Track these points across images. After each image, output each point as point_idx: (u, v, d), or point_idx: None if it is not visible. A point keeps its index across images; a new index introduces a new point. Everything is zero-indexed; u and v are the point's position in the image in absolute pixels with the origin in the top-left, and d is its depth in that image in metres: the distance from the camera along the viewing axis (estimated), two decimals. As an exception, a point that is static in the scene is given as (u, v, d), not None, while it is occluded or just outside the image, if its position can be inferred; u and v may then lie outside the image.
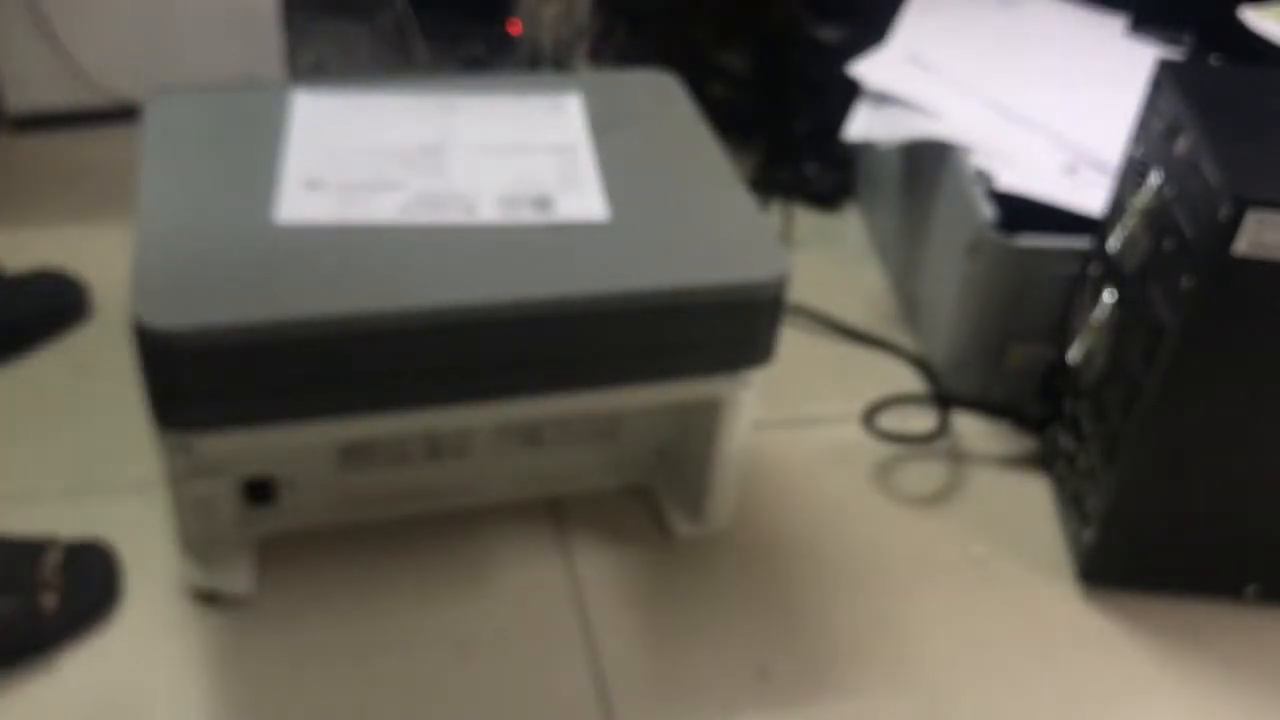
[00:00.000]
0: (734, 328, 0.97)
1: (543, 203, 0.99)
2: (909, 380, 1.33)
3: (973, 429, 1.27)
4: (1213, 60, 1.43)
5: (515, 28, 1.64)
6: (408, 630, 1.01)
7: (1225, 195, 0.91)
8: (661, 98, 1.15)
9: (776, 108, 1.61)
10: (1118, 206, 1.12)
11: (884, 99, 1.37)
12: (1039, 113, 1.32)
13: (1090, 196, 1.19)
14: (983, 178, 1.23)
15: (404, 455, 1.08)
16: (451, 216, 0.96)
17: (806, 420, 1.27)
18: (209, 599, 1.01)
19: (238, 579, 1.03)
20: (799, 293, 1.37)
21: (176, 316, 0.85)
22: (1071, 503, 1.15)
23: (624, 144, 1.07)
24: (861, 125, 1.36)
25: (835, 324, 1.39)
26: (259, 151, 1.01)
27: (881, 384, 1.30)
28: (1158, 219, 1.03)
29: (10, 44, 1.50)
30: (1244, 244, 0.91)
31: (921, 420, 1.26)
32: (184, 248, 0.91)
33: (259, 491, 1.05)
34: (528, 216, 0.97)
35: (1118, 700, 1.03)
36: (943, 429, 1.26)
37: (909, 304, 1.41)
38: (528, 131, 1.07)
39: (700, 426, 1.06)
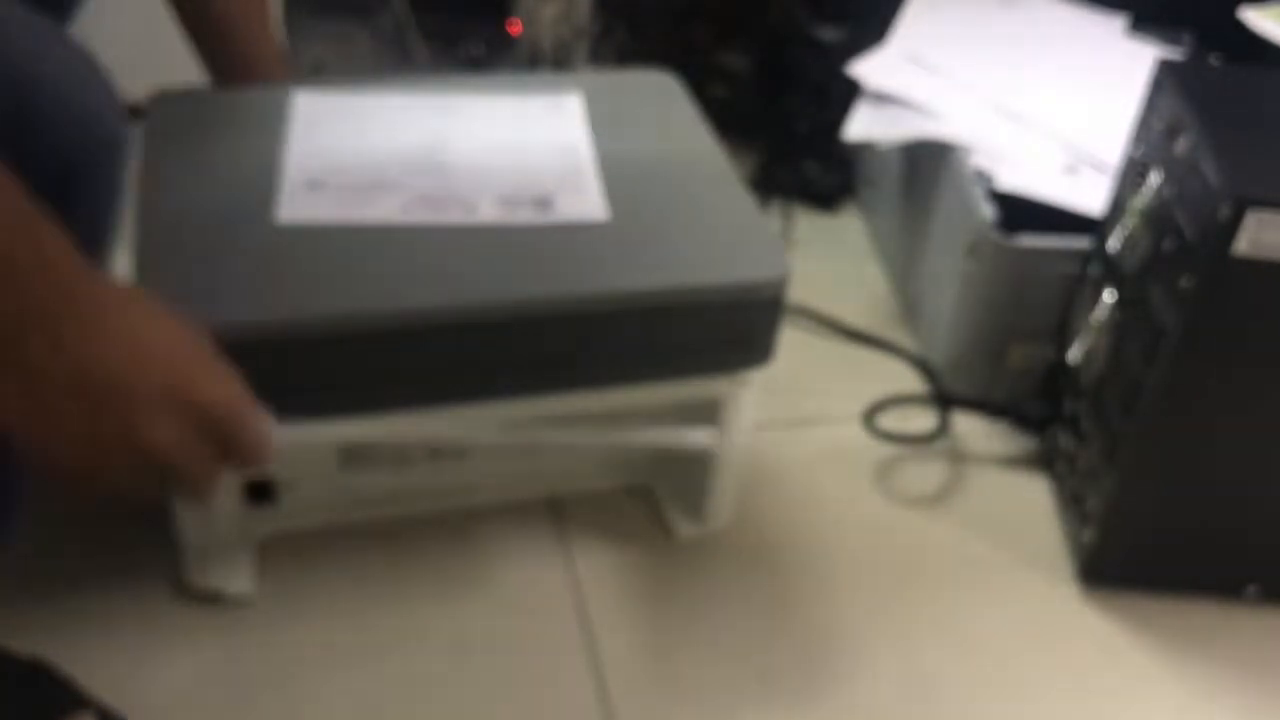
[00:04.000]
0: (734, 328, 0.97)
1: (543, 203, 0.99)
2: (909, 380, 1.33)
3: (973, 429, 1.27)
4: (1213, 60, 1.43)
5: (515, 28, 1.64)
6: (408, 630, 1.01)
7: (1225, 195, 0.91)
8: (661, 98, 1.15)
9: (776, 108, 1.61)
10: (1118, 206, 1.12)
11: (884, 99, 1.37)
12: (1039, 113, 1.32)
13: (1090, 196, 1.19)
14: (983, 178, 1.23)
15: (404, 455, 1.08)
16: (451, 216, 0.96)
17: (806, 420, 1.27)
18: (209, 599, 1.01)
19: (238, 579, 1.02)
20: (799, 293, 1.37)
21: (176, 317, 0.85)
22: (1071, 503, 1.15)
23: (624, 143, 1.07)
24: (861, 125, 1.36)
25: (835, 324, 1.39)
26: (259, 151, 1.01)
27: (881, 384, 1.30)
28: (1158, 219, 1.03)
29: (10, 44, 1.50)
30: (1244, 244, 0.91)
31: (921, 420, 1.26)
32: (184, 247, 0.91)
33: (259, 492, 1.05)
34: (528, 216, 0.97)
35: (1118, 700, 1.03)
36: (943, 429, 1.26)
37: (909, 304, 1.41)
38: (528, 131, 1.07)
39: (700, 426, 1.06)
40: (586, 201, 0.99)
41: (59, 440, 0.60)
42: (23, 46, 0.73)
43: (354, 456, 1.06)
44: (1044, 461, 1.24)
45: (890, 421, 1.24)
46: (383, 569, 1.06)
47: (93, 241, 0.78)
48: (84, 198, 0.76)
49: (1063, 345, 1.18)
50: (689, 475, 1.12)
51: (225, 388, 0.65)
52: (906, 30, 1.47)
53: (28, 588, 1.00)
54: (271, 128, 1.04)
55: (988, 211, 1.19)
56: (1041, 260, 1.19)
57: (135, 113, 1.05)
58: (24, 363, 0.58)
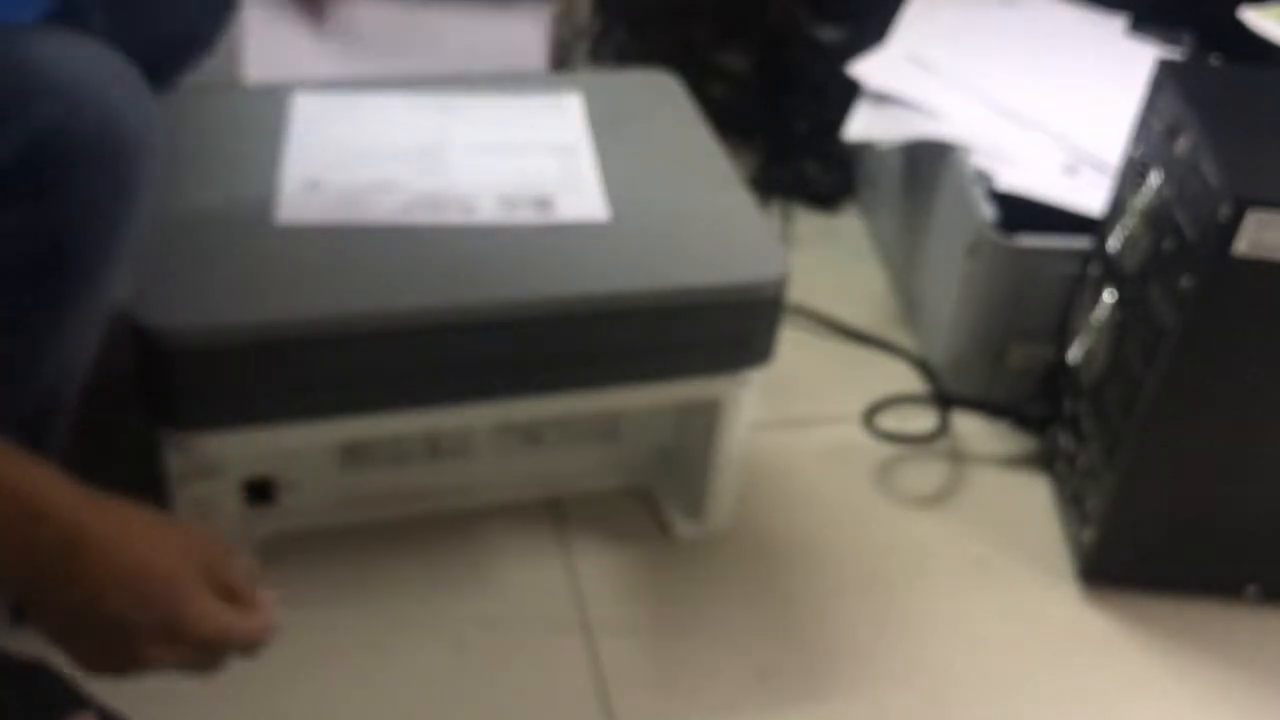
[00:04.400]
0: (734, 328, 0.97)
1: (543, 203, 0.99)
2: (909, 380, 1.32)
3: (973, 429, 1.27)
4: (1213, 60, 1.43)
5: (515, 28, 1.64)
6: (408, 630, 1.01)
7: (1225, 195, 0.91)
8: (661, 98, 1.15)
9: (776, 108, 1.61)
10: (1118, 206, 1.12)
11: (884, 99, 1.37)
12: (1039, 113, 1.32)
13: (1090, 196, 1.19)
14: (983, 178, 1.23)
15: (404, 455, 1.08)
16: (451, 216, 0.96)
17: (806, 420, 1.27)
18: (209, 599, 1.01)
19: (238, 579, 1.02)
20: (799, 293, 1.37)
21: (176, 316, 0.85)
22: (1071, 503, 1.15)
23: (624, 143, 1.07)
24: (861, 125, 1.36)
25: (835, 324, 1.39)
26: (259, 151, 1.01)
27: (881, 384, 1.30)
28: (1158, 219, 1.03)
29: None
30: (1244, 244, 0.91)
31: (921, 420, 1.26)
32: (184, 248, 0.91)
33: (259, 491, 1.05)
34: (528, 216, 0.97)
35: (1118, 700, 1.03)
36: (943, 429, 1.26)
37: (909, 304, 1.41)
38: (528, 131, 1.07)
39: (700, 426, 1.06)
40: (586, 201, 0.99)
41: (76, 651, 0.69)
42: (35, 39, 0.75)
43: (354, 456, 1.06)
44: (1044, 461, 1.24)
45: (890, 421, 1.24)
46: (383, 569, 1.06)
47: (96, 236, 0.79)
48: (83, 185, 0.77)
49: (1063, 345, 1.18)
50: (689, 475, 1.12)
51: (220, 614, 0.71)
52: (906, 30, 1.47)
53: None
54: (271, 128, 1.04)
55: (988, 211, 1.19)
56: (1041, 260, 1.19)
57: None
58: (43, 601, 0.67)
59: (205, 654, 0.72)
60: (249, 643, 0.74)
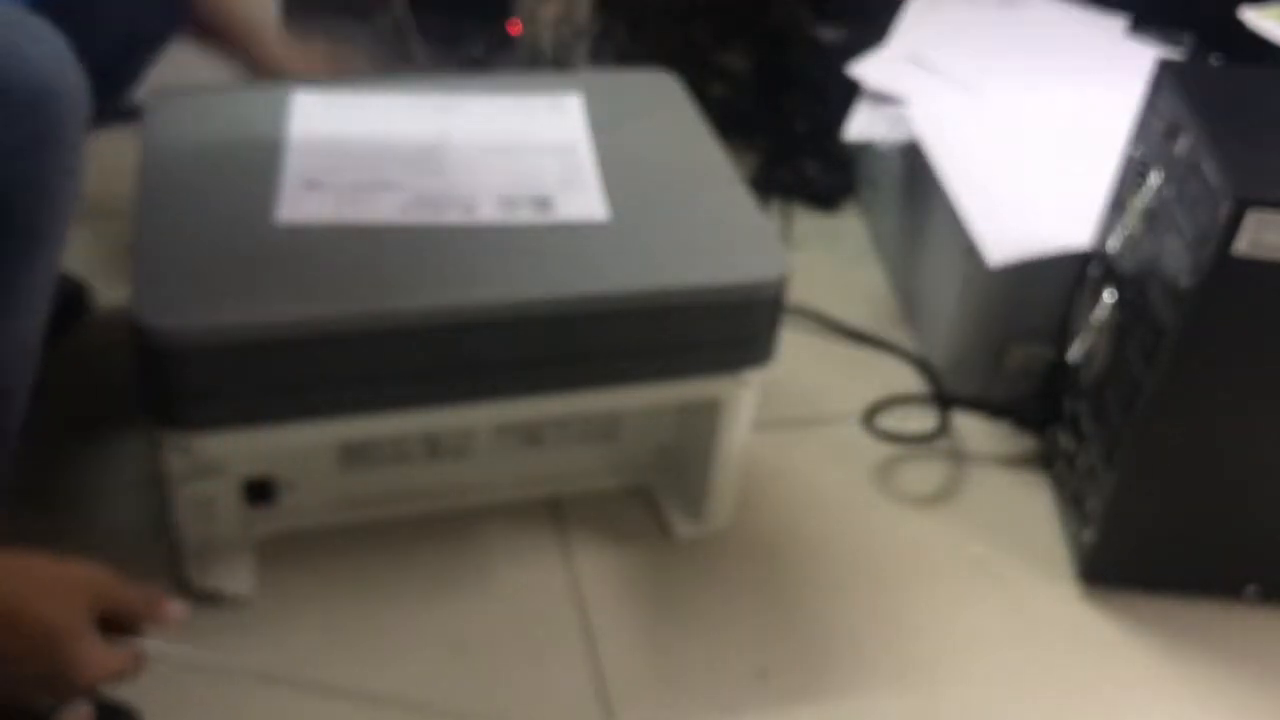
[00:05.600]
0: (734, 328, 0.97)
1: (543, 203, 0.99)
2: (909, 380, 1.33)
3: (973, 429, 1.27)
4: (1213, 60, 1.43)
5: (515, 28, 1.64)
6: (407, 630, 1.01)
7: (1225, 195, 0.91)
8: (661, 98, 1.15)
9: (776, 108, 1.61)
10: (1118, 206, 1.12)
11: (884, 99, 1.37)
12: (1037, 111, 1.32)
13: (1077, 230, 1.19)
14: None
15: (404, 455, 1.08)
16: (451, 216, 0.96)
17: (806, 420, 1.27)
18: (209, 599, 1.01)
19: (238, 579, 1.03)
20: (799, 293, 1.37)
21: (176, 316, 0.85)
22: (1071, 503, 1.15)
23: (624, 143, 1.07)
24: (861, 125, 1.36)
25: (835, 324, 1.39)
26: (259, 151, 1.01)
27: (881, 384, 1.30)
28: (1158, 219, 1.03)
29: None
30: (1244, 244, 0.91)
31: (921, 420, 1.26)
32: (184, 248, 0.91)
33: (259, 491, 1.05)
34: (528, 216, 0.97)
35: (1118, 700, 1.03)
36: (943, 429, 1.26)
37: (909, 304, 1.41)
38: (528, 131, 1.07)
39: (700, 426, 1.06)
40: (586, 201, 0.99)
41: None
42: None
43: (354, 456, 1.06)
44: (1044, 461, 1.24)
45: (890, 421, 1.24)
46: (382, 569, 1.06)
47: (24, 191, 0.77)
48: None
49: (1063, 345, 1.18)
50: (689, 475, 1.12)
51: (100, 664, 0.72)
52: (906, 30, 1.47)
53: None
54: (271, 128, 1.04)
55: (988, 211, 1.19)
56: (1042, 260, 1.19)
57: (134, 113, 1.05)
58: None
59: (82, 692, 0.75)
60: (120, 679, 0.76)
